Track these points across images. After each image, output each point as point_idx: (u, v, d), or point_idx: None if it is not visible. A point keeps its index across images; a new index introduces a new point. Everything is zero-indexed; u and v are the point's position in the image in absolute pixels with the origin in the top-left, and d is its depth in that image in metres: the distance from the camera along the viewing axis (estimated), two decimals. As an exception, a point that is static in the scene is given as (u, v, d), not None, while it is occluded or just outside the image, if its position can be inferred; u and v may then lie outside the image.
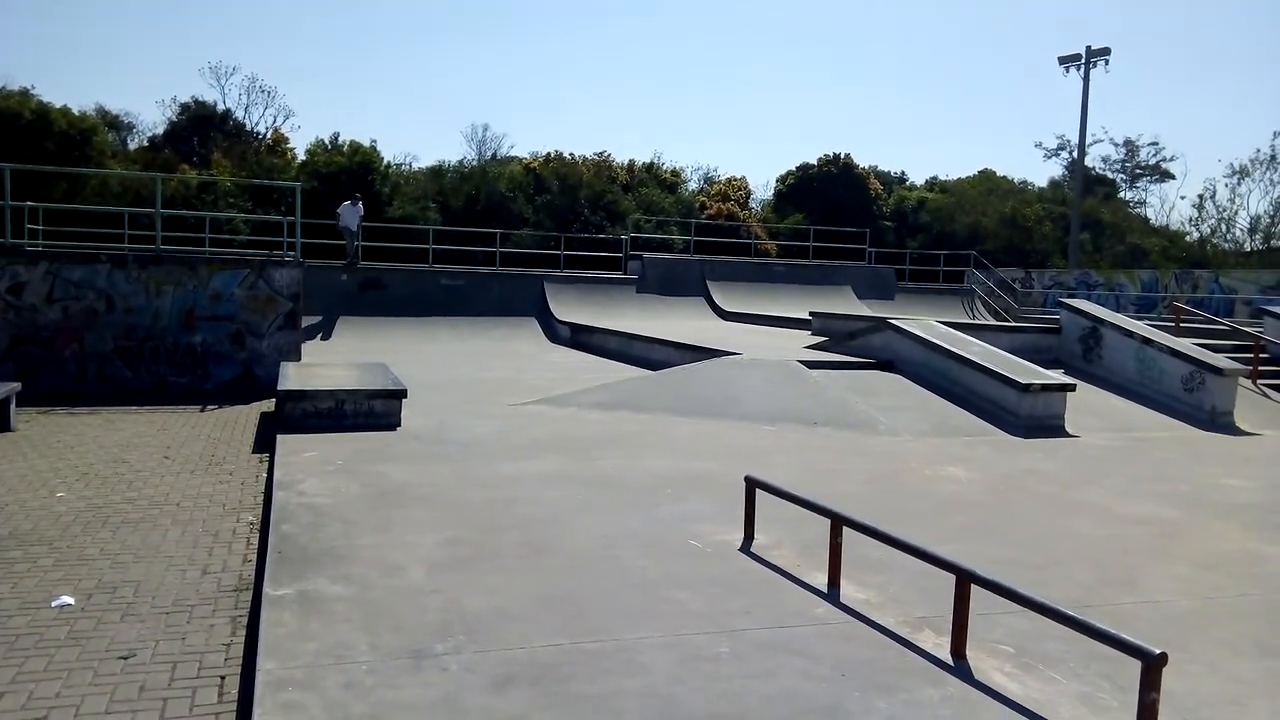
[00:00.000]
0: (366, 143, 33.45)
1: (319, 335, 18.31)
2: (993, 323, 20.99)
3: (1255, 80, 71.81)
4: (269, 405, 10.71)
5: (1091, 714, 3.58)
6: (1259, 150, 37.26)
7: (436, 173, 36.16)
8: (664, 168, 42.21)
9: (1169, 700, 3.59)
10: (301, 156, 34.46)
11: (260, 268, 12.43)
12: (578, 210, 33.66)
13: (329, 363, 11.90)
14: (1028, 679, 3.87)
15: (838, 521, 4.90)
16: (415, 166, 37.89)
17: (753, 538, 5.64)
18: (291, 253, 13.29)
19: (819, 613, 4.54)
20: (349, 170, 31.48)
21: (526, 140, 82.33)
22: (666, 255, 26.62)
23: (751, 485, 5.70)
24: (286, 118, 37.19)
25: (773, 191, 42.93)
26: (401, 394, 9.18)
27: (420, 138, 79.83)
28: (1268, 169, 33.42)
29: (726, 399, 10.72)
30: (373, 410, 9.03)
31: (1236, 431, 11.29)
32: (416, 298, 20.46)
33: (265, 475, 7.71)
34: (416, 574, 4.87)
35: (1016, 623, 4.35)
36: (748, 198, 41.95)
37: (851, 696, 3.64)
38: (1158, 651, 3.25)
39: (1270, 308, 16.78)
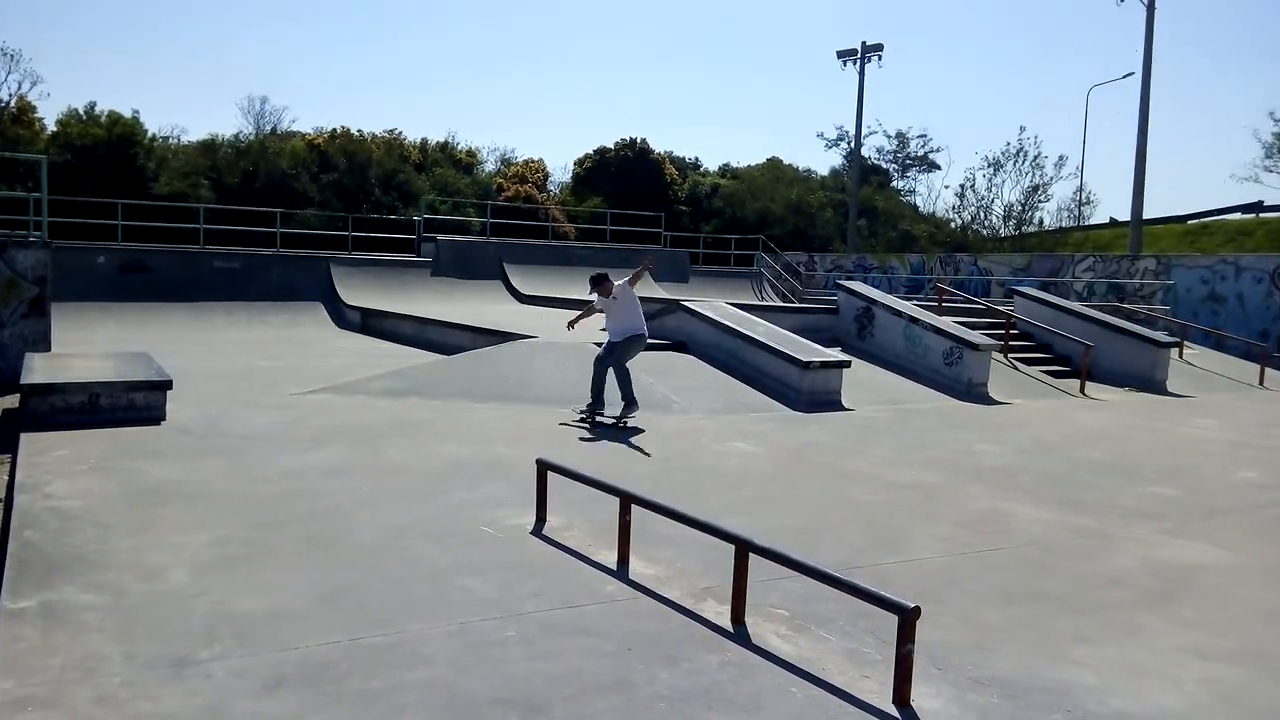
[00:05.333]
0: (128, 113, 30.76)
1: (73, 324, 16.69)
2: (779, 304, 22.01)
3: (1008, 80, 78.90)
4: (13, 401, 9.66)
5: (856, 668, 3.81)
6: (1009, 144, 40.93)
7: (209, 147, 33.63)
8: (459, 147, 41.40)
9: (925, 650, 3.88)
10: (52, 128, 31.21)
11: (0, 248, 11.16)
12: (367, 190, 32.42)
13: (84, 353, 10.86)
14: (801, 640, 4.06)
15: (626, 500, 4.96)
16: (184, 140, 35.15)
17: (545, 520, 5.62)
18: (37, 233, 12.01)
19: (608, 590, 4.58)
20: (107, 143, 28.85)
21: (310, 115, 78.42)
22: (462, 237, 26.13)
23: (543, 468, 5.68)
24: (34, 84, 33.43)
25: (571, 174, 43.04)
26: (166, 385, 8.51)
27: (190, 109, 74.24)
28: (1018, 161, 36.78)
29: (522, 382, 10.65)
30: (133, 404, 8.32)
31: (990, 401, 12.38)
32: (187, 282, 19.07)
33: (6, 479, 6.93)
34: (179, 577, 4.52)
35: (793, 587, 4.55)
36: (546, 180, 41.83)
37: (636, 670, 3.69)
38: (911, 605, 3.49)
39: (1019, 288, 18.52)
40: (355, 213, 27.76)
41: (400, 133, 37.76)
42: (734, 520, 5.48)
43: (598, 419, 9.32)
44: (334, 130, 35.85)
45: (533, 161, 41.83)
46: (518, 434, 8.47)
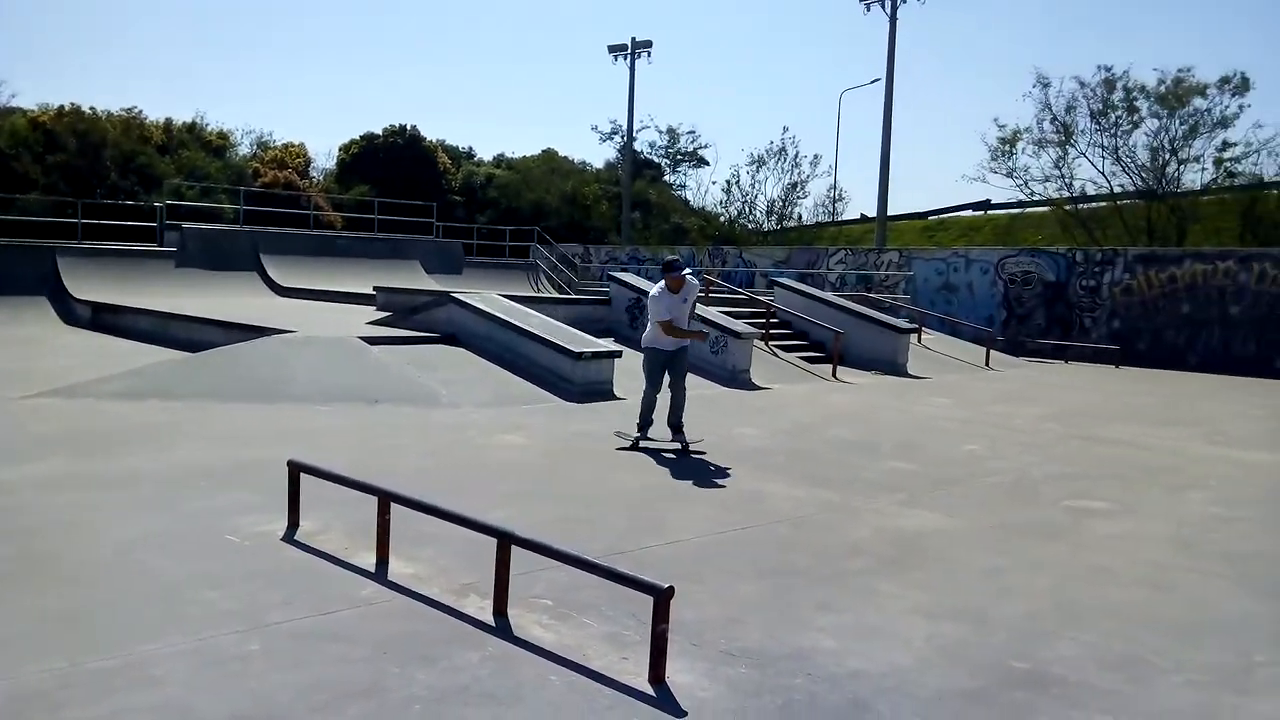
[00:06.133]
0: None
1: None
2: (553, 295, 22.08)
3: (771, 81, 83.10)
4: None
5: (616, 650, 3.86)
6: (772, 142, 43.21)
7: (-92, 123, 29.51)
8: (209, 129, 38.48)
9: (681, 628, 4.00)
10: None
11: None
12: (102, 173, 29.51)
13: None
14: (563, 628, 4.08)
15: (385, 498, 4.79)
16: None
17: (298, 525, 5.32)
18: None
19: (365, 594, 4.40)
20: None
21: (33, 90, 70.28)
22: (213, 226, 24.33)
23: (295, 469, 5.38)
24: None
25: (335, 160, 41.15)
26: None
27: (-115, 78, 64.77)
28: (779, 159, 38.88)
29: (279, 380, 10.05)
30: None
31: (752, 387, 13.00)
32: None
33: None
34: None
35: (557, 576, 4.56)
36: (308, 165, 39.72)
37: (390, 673, 3.56)
38: (665, 586, 3.58)
39: (779, 279, 19.58)
40: (87, 198, 25.20)
41: (140, 111, 34.58)
42: (501, 513, 5.44)
43: (649, 445, 8.21)
44: (62, 107, 32.35)
45: (293, 146, 39.58)
46: (273, 435, 7.99)
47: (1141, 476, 7.90)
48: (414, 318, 13.20)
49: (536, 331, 11.64)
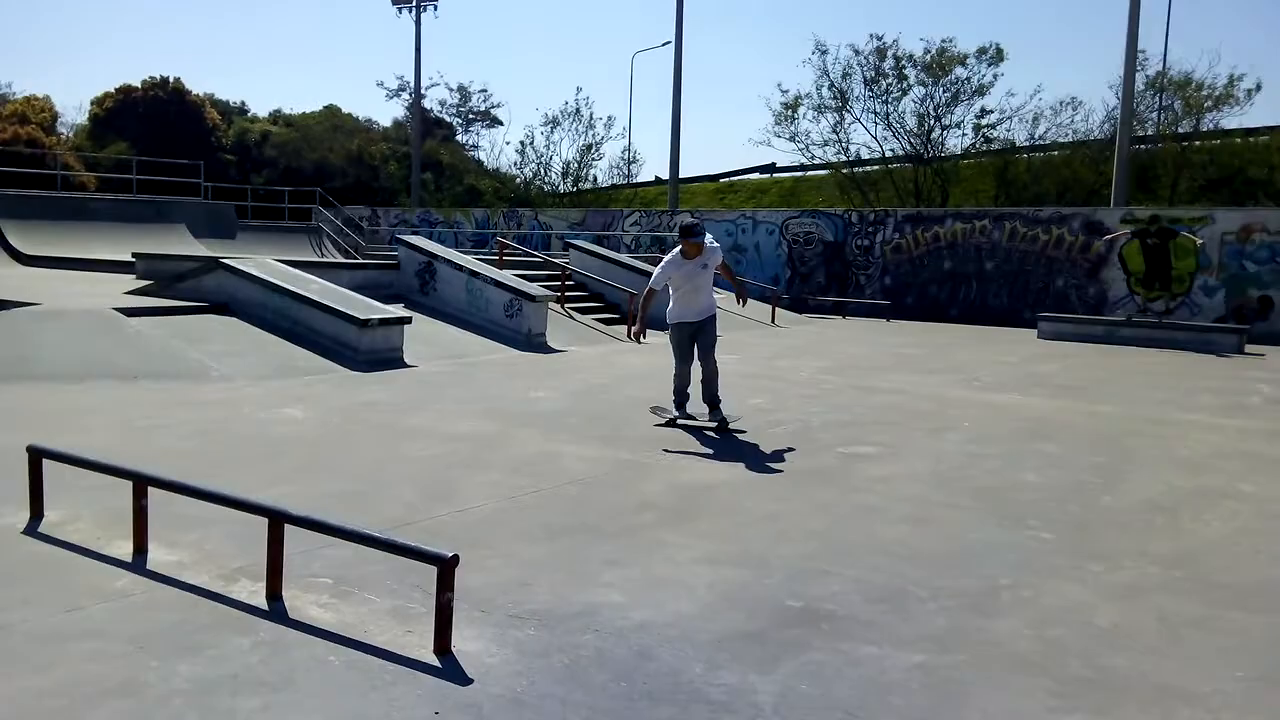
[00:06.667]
0: None
1: None
2: (339, 260, 21.14)
3: (563, 40, 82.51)
4: None
5: (400, 624, 3.75)
6: (566, 103, 42.89)
7: None
8: (-68, 80, 34.01)
9: (470, 595, 3.94)
10: None
11: None
12: None
13: None
14: (343, 606, 3.91)
15: (140, 482, 4.40)
16: None
17: (42, 516, 4.82)
18: None
19: (119, 585, 4.05)
20: None
21: None
22: (-60, 188, 21.58)
23: (36, 455, 4.86)
24: None
25: (88, 116, 37.43)
26: None
27: None
28: (573, 120, 38.73)
29: (22, 358, 9.06)
30: None
31: (549, 350, 12.98)
32: None
33: None
34: None
35: (338, 554, 4.37)
36: (54, 121, 35.96)
37: (149, 668, 3.30)
38: (449, 555, 3.50)
39: (575, 242, 19.60)
40: None
41: None
42: (277, 491, 5.16)
43: (688, 424, 7.80)
44: None
45: (36, 99, 35.72)
46: (15, 419, 7.20)
47: (907, 421, 8.51)
48: (179, 286, 12.23)
49: (317, 298, 11.09)
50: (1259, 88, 29.01)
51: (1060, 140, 30.56)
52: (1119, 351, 15.19)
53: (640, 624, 3.82)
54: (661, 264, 7.75)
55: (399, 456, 6.63)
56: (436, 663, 3.44)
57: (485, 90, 45.85)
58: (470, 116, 46.30)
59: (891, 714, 3.15)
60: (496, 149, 60.70)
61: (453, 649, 3.51)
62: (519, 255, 19.47)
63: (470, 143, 46.64)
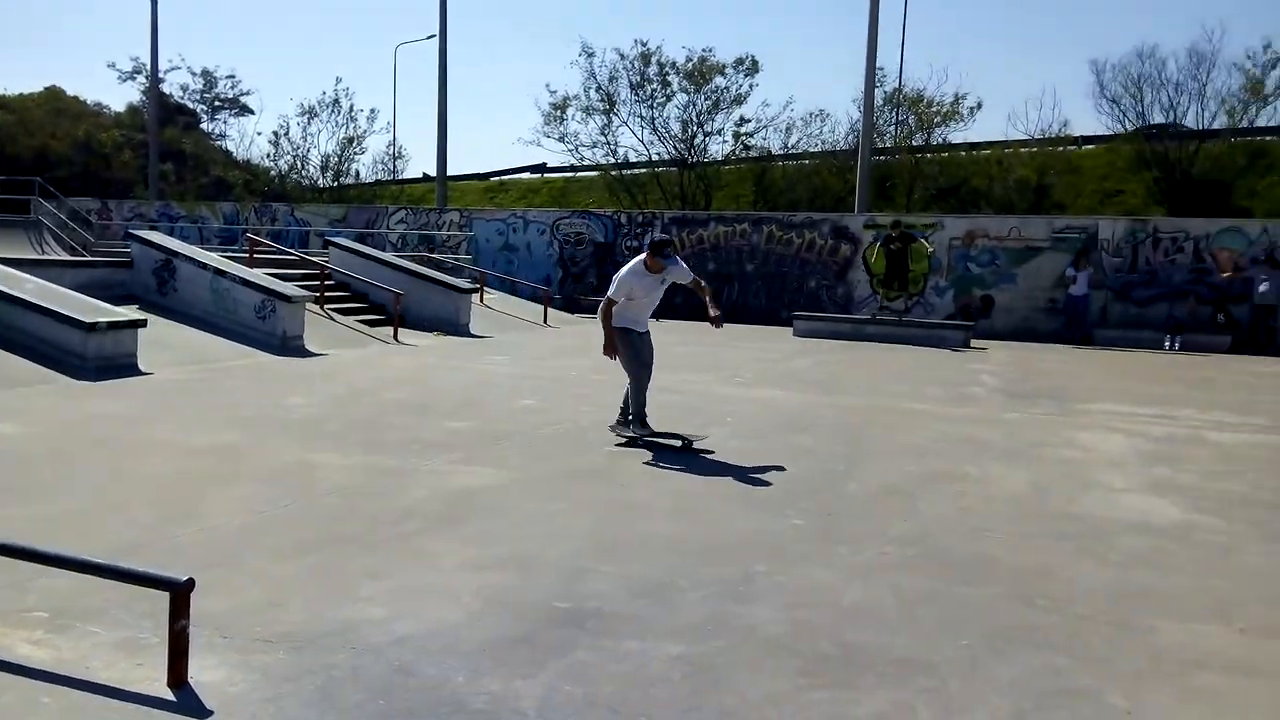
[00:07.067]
0: None
1: None
2: (62, 258, 19.08)
3: (320, 28, 78.71)
4: None
5: (129, 658, 3.40)
6: (325, 93, 40.84)
7: None
8: None
9: (211, 620, 3.64)
10: None
11: None
12: None
13: None
14: (61, 641, 3.50)
15: None
16: None
17: None
18: None
19: None
20: None
21: None
22: None
23: None
24: None
25: None
26: None
27: None
28: (333, 111, 36.99)
29: None
30: None
31: (305, 353, 12.32)
32: None
33: None
34: None
35: (58, 584, 3.90)
36: None
37: None
38: (183, 579, 3.21)
39: (335, 239, 18.73)
40: None
41: None
42: (-23, 518, 4.55)
43: (649, 440, 7.43)
44: None
45: None
46: None
47: (676, 416, 8.74)
48: None
49: (33, 299, 9.92)
50: (980, 106, 32.41)
51: (810, 150, 32.64)
52: (864, 347, 16.42)
53: (401, 637, 3.67)
54: (622, 275, 7.53)
55: (132, 473, 6.03)
56: (171, 696, 3.15)
57: (233, 76, 42.87)
58: (217, 104, 43.13)
59: (654, 706, 3.20)
60: (247, 139, 56.16)
61: (189, 680, 3.22)
62: (273, 253, 18.34)
63: (217, 132, 43.48)
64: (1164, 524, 5.64)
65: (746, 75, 31.77)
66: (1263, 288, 17.78)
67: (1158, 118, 28.31)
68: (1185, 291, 18.83)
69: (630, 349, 7.52)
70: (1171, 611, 4.21)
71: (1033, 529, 5.47)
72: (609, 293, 7.51)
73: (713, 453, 7.28)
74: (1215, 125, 27.83)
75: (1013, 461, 7.33)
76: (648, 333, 7.75)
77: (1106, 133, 30.14)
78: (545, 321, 18.75)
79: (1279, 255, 18.19)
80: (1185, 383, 12.69)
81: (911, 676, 3.49)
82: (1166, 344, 17.96)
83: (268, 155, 38.57)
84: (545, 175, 39.14)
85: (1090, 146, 31.05)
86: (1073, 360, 15.46)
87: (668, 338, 17.39)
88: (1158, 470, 7.11)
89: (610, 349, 7.48)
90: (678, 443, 7.39)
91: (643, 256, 7.53)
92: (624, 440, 7.50)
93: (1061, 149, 30.23)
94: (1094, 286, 18.91)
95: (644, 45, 32.02)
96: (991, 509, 5.90)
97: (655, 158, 33.30)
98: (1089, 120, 62.24)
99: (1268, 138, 27.19)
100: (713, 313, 7.73)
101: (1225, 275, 18.39)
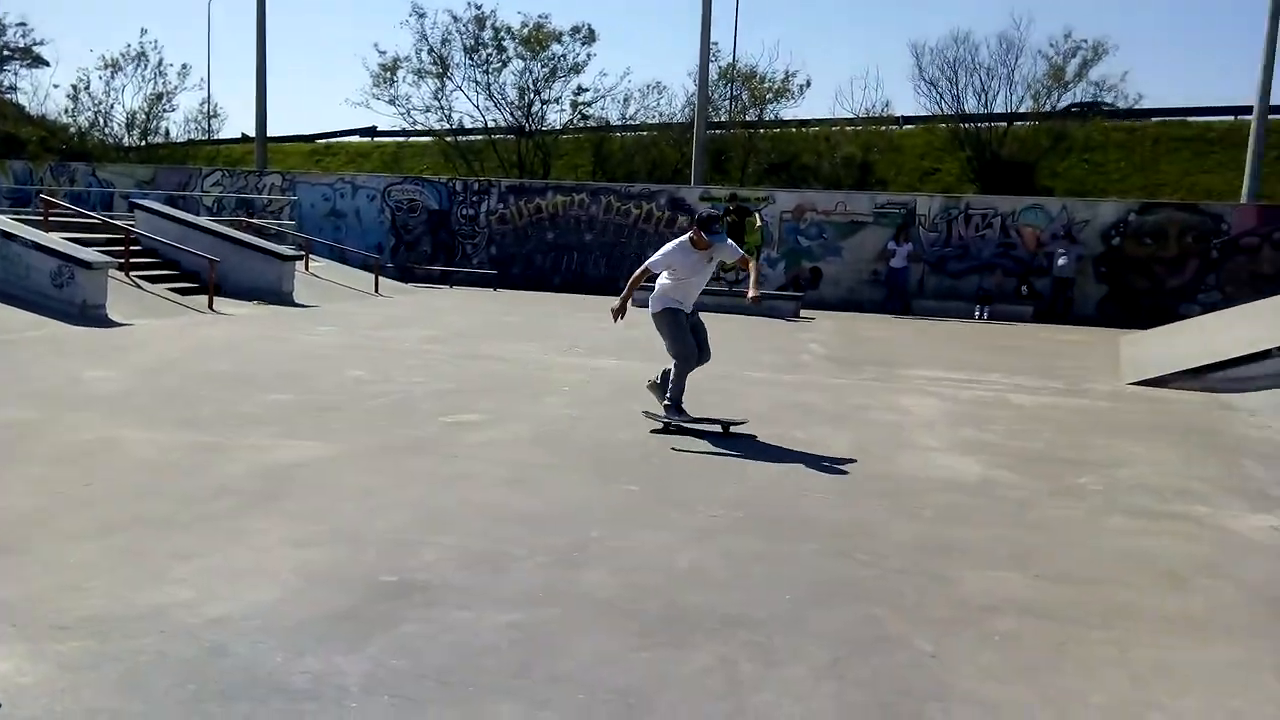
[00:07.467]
0: None
1: None
2: None
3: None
4: None
5: (-107, 659, 3.06)
6: (130, 45, 37.66)
7: None
8: None
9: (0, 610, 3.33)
10: None
11: None
12: None
13: None
14: None
15: None
16: None
17: None
18: None
19: None
20: None
21: None
22: None
23: None
24: None
25: None
26: None
27: None
28: (139, 65, 34.24)
29: None
30: None
31: (109, 323, 11.43)
32: None
33: None
34: None
35: None
36: None
37: None
38: (-43, 567, 2.91)
39: (143, 202, 17.42)
40: None
41: None
42: None
43: (686, 425, 7.04)
44: None
45: None
46: None
47: (510, 388, 8.66)
48: None
49: None
50: (809, 84, 33.42)
51: (648, 121, 32.81)
52: (702, 317, 16.71)
53: (215, 619, 3.47)
54: (666, 249, 7.19)
55: (-97, 454, 5.44)
56: (-55, 698, 2.85)
57: (25, 24, 39.08)
58: (6, 53, 39.20)
59: (483, 675, 3.16)
60: (42, 93, 51.25)
61: (-32, 677, 2.93)
62: (71, 216, 16.87)
63: (7, 83, 39.54)
64: (969, 481, 6.03)
65: (584, 44, 31.55)
66: (1061, 261, 19.27)
67: (971, 100, 30.05)
68: (993, 265, 20.18)
69: (677, 329, 7.17)
70: (974, 562, 4.51)
71: (853, 488, 5.73)
72: (648, 260, 7.34)
73: (539, 421, 7.25)
74: (1023, 109, 29.81)
75: (838, 424, 7.66)
76: (695, 310, 7.42)
77: (925, 114, 31.76)
78: (377, 291, 18.14)
79: (1076, 231, 19.74)
80: (992, 350, 13.61)
81: (737, 632, 3.59)
82: (976, 314, 19.23)
83: (66, 110, 35.39)
84: (376, 139, 37.65)
85: (910, 126, 32.67)
86: (893, 329, 16.31)
87: (502, 307, 17.25)
88: (965, 431, 7.60)
89: (618, 311, 7.32)
90: (717, 428, 7.10)
91: (690, 235, 7.16)
92: (659, 427, 7.14)
93: (884, 128, 31.63)
94: (913, 260, 19.99)
95: (478, 8, 31.24)
96: (817, 470, 6.14)
97: (492, 125, 32.65)
98: (909, 101, 65.49)
99: (1068, 121, 29.26)
100: (751, 292, 7.47)
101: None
